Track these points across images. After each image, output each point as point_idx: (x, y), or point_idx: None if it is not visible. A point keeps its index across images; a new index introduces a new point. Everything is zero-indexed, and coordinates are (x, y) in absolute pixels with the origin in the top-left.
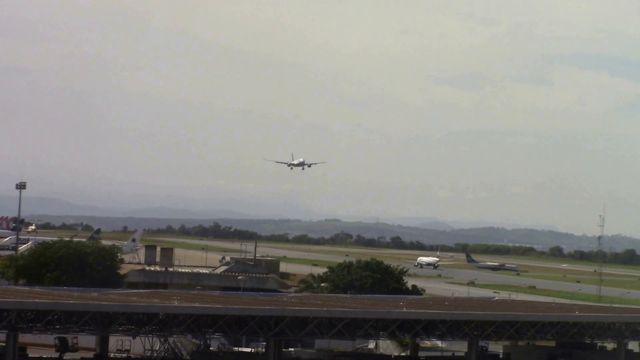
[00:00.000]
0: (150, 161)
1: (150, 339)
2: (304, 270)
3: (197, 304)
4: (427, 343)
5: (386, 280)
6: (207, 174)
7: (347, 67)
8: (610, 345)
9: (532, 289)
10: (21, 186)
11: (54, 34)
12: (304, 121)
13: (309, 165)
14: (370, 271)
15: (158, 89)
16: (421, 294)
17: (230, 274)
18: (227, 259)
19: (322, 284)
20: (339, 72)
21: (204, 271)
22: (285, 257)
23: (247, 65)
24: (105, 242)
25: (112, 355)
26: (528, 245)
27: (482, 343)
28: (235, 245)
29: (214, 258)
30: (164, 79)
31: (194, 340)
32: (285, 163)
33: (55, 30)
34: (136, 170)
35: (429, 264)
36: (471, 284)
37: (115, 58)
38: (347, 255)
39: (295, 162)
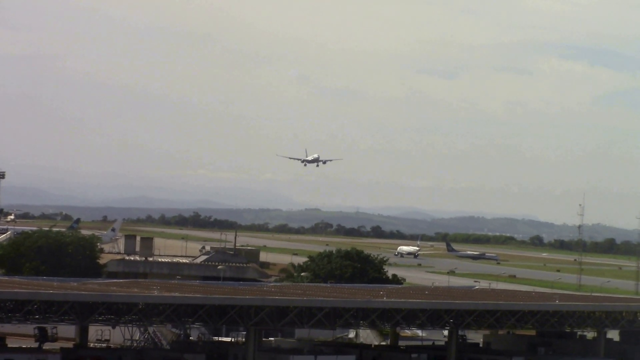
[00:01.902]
0: (129, 151)
1: (130, 328)
2: (284, 259)
3: (176, 294)
4: (408, 332)
5: (366, 269)
6: (187, 163)
7: (323, 58)
8: (590, 334)
9: (512, 278)
10: (0, 176)
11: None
12: (279, 112)
13: (324, 162)
14: (350, 260)
15: (136, 80)
16: (401, 283)
17: (210, 263)
18: (207, 248)
19: (302, 274)
20: (316, 64)
21: (184, 261)
22: (265, 246)
23: (221, 59)
24: (84, 232)
25: (91, 345)
26: (508, 235)
27: (460, 332)
28: (215, 234)
29: (194, 248)
30: (138, 70)
31: (173, 329)
32: (299, 159)
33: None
34: (116, 160)
35: (409, 253)
36: (451, 273)
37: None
38: (327, 244)
39: (310, 158)
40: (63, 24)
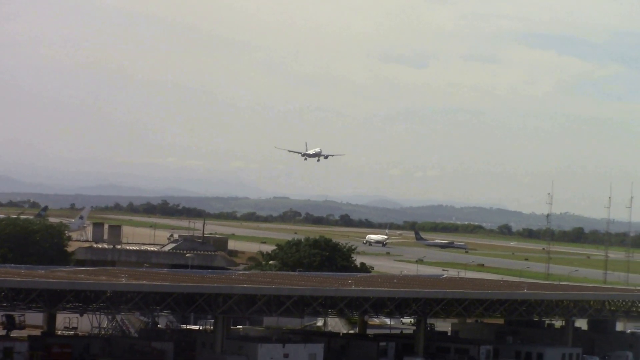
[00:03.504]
0: (97, 138)
1: (98, 316)
2: (253, 248)
3: (145, 282)
4: (376, 320)
5: (335, 257)
6: (155, 151)
7: (295, 45)
8: (558, 323)
9: (480, 267)
10: None
11: None
12: (252, 100)
13: (325, 157)
14: (318, 249)
15: (104, 66)
16: (370, 272)
17: (178, 251)
18: (175, 236)
19: (271, 262)
20: (283, 50)
21: (152, 249)
22: (233, 234)
23: (193, 42)
24: (52, 220)
25: (59, 332)
26: (477, 223)
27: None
28: (184, 222)
29: (162, 236)
30: (107, 56)
31: (141, 317)
32: (299, 152)
33: None
34: (83, 147)
35: (377, 242)
36: (420, 261)
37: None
38: (295, 233)
39: (311, 152)
40: (33, 7)
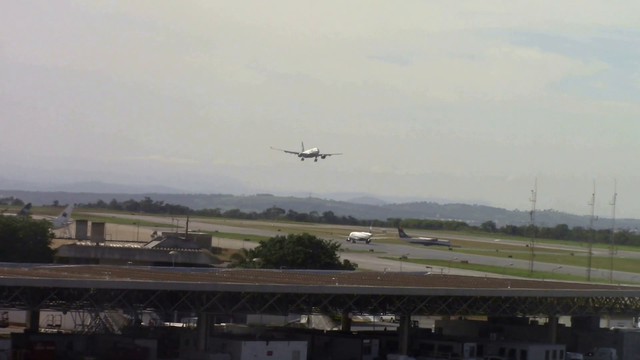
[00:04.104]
0: (81, 136)
1: (81, 314)
2: (236, 245)
3: (128, 279)
4: (360, 318)
5: (318, 255)
6: (139, 148)
7: (275, 43)
8: (542, 320)
9: (464, 264)
10: None
11: None
12: (235, 98)
13: (323, 157)
14: (302, 246)
15: (88, 64)
16: (353, 269)
17: (161, 249)
18: (159, 234)
19: (254, 259)
20: (268, 49)
21: (136, 246)
22: (217, 232)
23: (173, 43)
24: (35, 217)
25: (42, 330)
26: (460, 220)
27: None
28: (167, 220)
29: (146, 233)
30: (90, 55)
31: (125, 315)
32: (295, 153)
33: None
34: (68, 144)
35: (361, 239)
36: (403, 258)
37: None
38: (279, 230)
39: (308, 152)
40: (4, 11)
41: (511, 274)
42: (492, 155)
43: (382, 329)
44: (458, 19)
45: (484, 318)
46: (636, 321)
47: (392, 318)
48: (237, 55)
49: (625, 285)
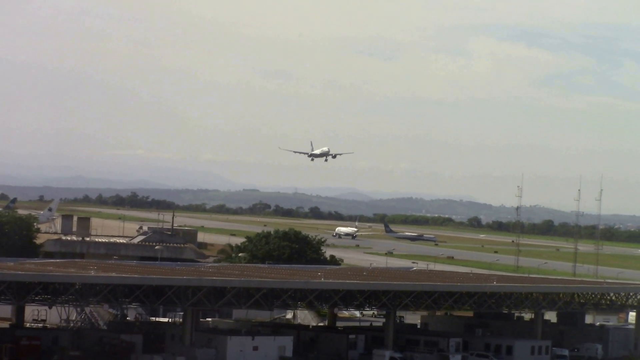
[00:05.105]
0: (67, 131)
1: (67, 308)
2: (222, 240)
3: (114, 274)
4: (345, 313)
5: (304, 250)
6: (125, 143)
7: (258, 42)
8: (527, 316)
9: (450, 260)
10: None
11: None
12: (221, 93)
13: (334, 156)
14: (288, 241)
15: (75, 62)
16: (339, 264)
17: (147, 243)
18: (145, 228)
19: (240, 254)
20: (250, 48)
21: (121, 241)
22: (203, 227)
23: (152, 41)
24: (21, 212)
25: (28, 325)
26: (446, 216)
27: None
28: (153, 215)
29: (131, 228)
30: (74, 53)
31: (110, 310)
32: (305, 153)
33: None
34: (53, 139)
35: (347, 234)
36: (389, 254)
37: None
38: (265, 225)
39: (317, 152)
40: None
41: (497, 270)
42: (478, 150)
43: (367, 324)
44: (443, 14)
45: (470, 313)
46: (627, 316)
47: (373, 313)
48: (220, 53)
49: (610, 281)
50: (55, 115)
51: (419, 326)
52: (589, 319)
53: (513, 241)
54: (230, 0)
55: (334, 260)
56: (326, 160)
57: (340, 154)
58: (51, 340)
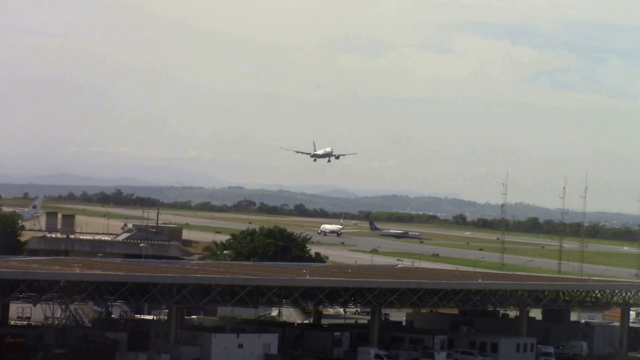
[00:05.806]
0: (51, 128)
1: (51, 306)
2: (207, 237)
3: (98, 272)
4: (330, 310)
5: (289, 247)
6: (109, 140)
7: (251, 34)
8: (512, 313)
9: (435, 257)
10: None
11: None
12: (206, 90)
13: (337, 157)
14: (273, 239)
15: (56, 58)
16: (324, 262)
17: (132, 241)
18: (129, 226)
19: (225, 252)
20: (247, 36)
21: (106, 238)
22: (187, 224)
23: (152, 29)
24: (5, 209)
25: (12, 322)
26: (431, 213)
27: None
28: (138, 212)
29: (116, 225)
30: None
31: (95, 307)
32: (308, 153)
33: None
34: (37, 136)
35: (332, 232)
36: (374, 251)
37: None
38: (250, 222)
39: (321, 152)
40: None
41: (482, 267)
42: (463, 148)
43: (352, 321)
44: (427, 11)
45: (455, 311)
46: (637, 315)
47: (357, 311)
48: (205, 55)
49: (595, 278)
50: (41, 114)
51: (404, 324)
52: (574, 317)
53: (498, 239)
54: (215, 2)
55: (319, 258)
56: (329, 160)
57: (343, 155)
58: (36, 338)
